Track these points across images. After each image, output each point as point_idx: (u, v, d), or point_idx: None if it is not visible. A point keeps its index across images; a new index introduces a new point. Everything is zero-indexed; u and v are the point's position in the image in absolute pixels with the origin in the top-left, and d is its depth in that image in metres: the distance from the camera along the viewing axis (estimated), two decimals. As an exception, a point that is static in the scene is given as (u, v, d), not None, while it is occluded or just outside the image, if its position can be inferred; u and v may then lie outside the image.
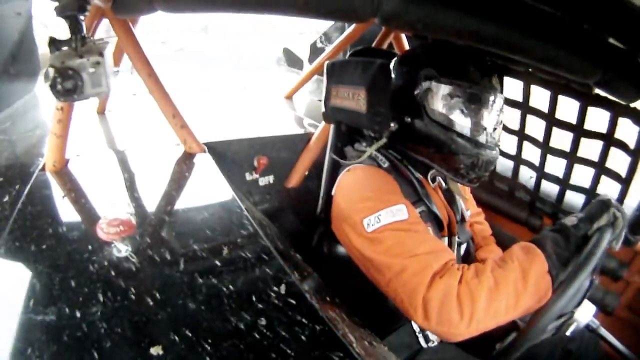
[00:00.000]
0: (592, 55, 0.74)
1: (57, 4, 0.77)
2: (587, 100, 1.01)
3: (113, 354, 0.48)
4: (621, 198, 1.06)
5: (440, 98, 0.87)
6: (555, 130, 1.13)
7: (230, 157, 1.15)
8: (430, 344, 0.94)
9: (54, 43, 0.78)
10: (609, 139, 1.01)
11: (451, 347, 0.94)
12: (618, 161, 1.05)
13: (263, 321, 0.54)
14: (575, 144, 1.10)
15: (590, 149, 1.08)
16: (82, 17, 0.80)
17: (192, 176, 0.92)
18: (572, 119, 1.07)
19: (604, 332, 0.86)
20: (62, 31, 0.80)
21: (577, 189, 1.15)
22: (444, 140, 0.88)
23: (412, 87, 0.89)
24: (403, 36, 1.35)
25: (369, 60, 0.94)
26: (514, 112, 1.18)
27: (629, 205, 1.06)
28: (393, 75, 0.91)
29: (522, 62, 1.00)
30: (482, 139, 0.90)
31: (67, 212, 0.75)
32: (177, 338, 0.51)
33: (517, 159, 1.24)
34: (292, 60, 2.24)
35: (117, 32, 0.96)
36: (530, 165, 1.22)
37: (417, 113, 0.89)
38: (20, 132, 1.14)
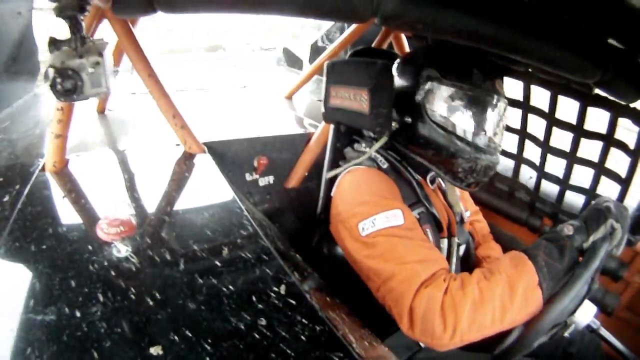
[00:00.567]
0: (592, 56, 0.74)
1: (56, 4, 0.77)
2: (587, 100, 1.01)
3: (113, 353, 0.48)
4: (621, 198, 1.06)
5: (441, 100, 0.87)
6: (555, 131, 1.13)
7: (231, 157, 1.15)
8: (430, 345, 0.93)
9: (53, 43, 0.78)
10: (608, 139, 1.01)
11: (449, 350, 0.94)
12: (618, 161, 1.05)
13: (263, 321, 0.54)
14: (575, 144, 1.10)
15: (590, 149, 1.09)
16: (81, 17, 0.80)
17: (192, 176, 0.92)
18: (572, 119, 1.07)
19: (604, 332, 0.86)
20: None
21: (577, 189, 1.15)
22: (444, 142, 0.87)
23: (413, 87, 0.88)
24: (403, 36, 1.34)
25: (370, 60, 0.94)
26: (515, 111, 1.18)
27: (629, 205, 1.06)
28: (395, 76, 0.91)
29: (522, 62, 1.00)
30: (482, 143, 0.89)
31: (67, 213, 0.76)
32: (177, 338, 0.51)
33: (518, 158, 1.24)
34: (292, 60, 2.24)
35: (117, 33, 0.96)
36: (530, 164, 1.22)
37: (418, 114, 0.88)
38: (20, 132, 1.14)
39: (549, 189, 1.22)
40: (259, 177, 1.22)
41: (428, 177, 0.97)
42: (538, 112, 1.13)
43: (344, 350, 0.52)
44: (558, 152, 1.14)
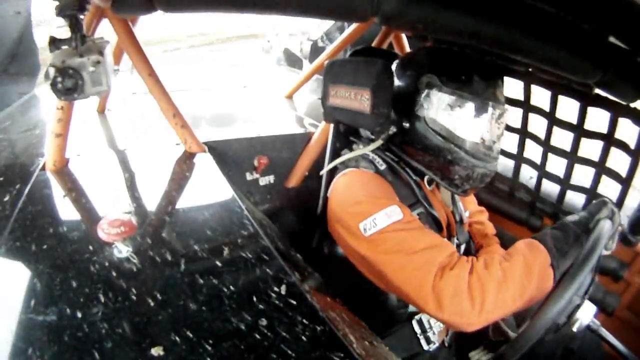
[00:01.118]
0: (593, 55, 0.74)
1: (57, 3, 0.77)
2: (587, 100, 1.00)
3: (114, 354, 0.48)
4: (621, 198, 1.06)
5: (440, 107, 0.86)
6: (556, 132, 1.13)
7: (231, 156, 1.15)
8: (431, 346, 0.94)
9: (54, 42, 0.78)
10: (609, 139, 1.01)
11: (450, 352, 0.94)
12: (617, 160, 1.05)
13: (264, 321, 0.54)
14: (576, 144, 1.10)
15: (590, 149, 1.09)
16: (81, 17, 0.80)
17: (192, 176, 0.91)
18: (573, 119, 1.07)
19: (604, 332, 0.86)
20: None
21: (578, 189, 1.15)
22: (441, 149, 0.87)
23: (412, 92, 0.88)
24: (403, 36, 1.34)
25: (370, 60, 0.93)
26: (515, 111, 1.18)
27: (629, 206, 1.06)
28: (395, 77, 0.91)
29: (522, 62, 1.00)
30: (480, 151, 0.88)
31: (68, 212, 0.75)
32: (177, 338, 0.50)
33: (519, 158, 1.24)
34: (292, 60, 2.24)
35: (117, 32, 0.96)
36: (531, 164, 1.22)
37: (416, 120, 0.88)
38: (21, 132, 1.14)
39: (550, 188, 1.22)
40: (260, 176, 1.22)
41: (425, 178, 0.97)
42: (539, 111, 1.13)
43: (344, 350, 0.52)
44: (559, 152, 1.14)
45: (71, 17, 0.78)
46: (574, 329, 0.80)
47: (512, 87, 1.16)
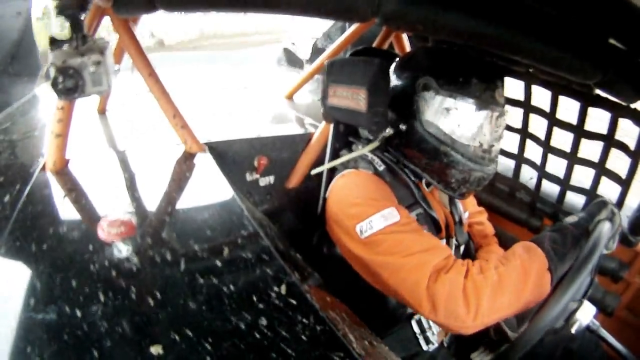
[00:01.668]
0: (593, 56, 0.74)
1: (57, 3, 0.77)
2: (587, 100, 1.01)
3: (113, 353, 0.48)
4: (621, 199, 1.06)
5: (437, 110, 0.85)
6: (556, 132, 1.13)
7: (231, 157, 1.15)
8: (430, 346, 0.94)
9: (55, 42, 0.78)
10: (609, 140, 1.01)
11: (449, 352, 0.94)
12: (617, 160, 1.05)
13: (263, 321, 0.54)
14: (576, 145, 1.10)
15: (591, 149, 1.09)
16: (82, 16, 0.80)
17: (192, 176, 0.91)
18: (573, 120, 1.07)
19: (604, 333, 0.86)
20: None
21: (578, 189, 1.15)
22: (437, 152, 0.86)
23: (409, 94, 0.88)
24: (404, 36, 1.34)
25: (367, 59, 0.93)
26: (515, 111, 1.18)
27: (629, 206, 1.07)
28: (393, 77, 0.91)
29: (523, 62, 1.00)
30: (477, 154, 0.88)
31: (68, 212, 0.75)
32: (177, 338, 0.51)
33: (519, 158, 1.24)
34: (292, 60, 2.24)
35: (117, 31, 0.96)
36: (531, 164, 1.22)
37: (413, 122, 0.87)
38: (21, 132, 1.14)
39: (550, 189, 1.22)
40: (260, 177, 1.22)
41: (423, 180, 0.97)
42: (539, 112, 1.13)
43: (344, 349, 0.52)
44: (559, 153, 1.14)
45: (72, 16, 0.78)
46: (573, 330, 0.80)
47: (512, 87, 1.16)
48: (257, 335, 0.52)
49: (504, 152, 1.27)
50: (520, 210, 1.32)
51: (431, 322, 0.94)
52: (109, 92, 0.88)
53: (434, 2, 0.66)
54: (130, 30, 0.96)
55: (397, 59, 0.97)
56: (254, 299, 0.57)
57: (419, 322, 0.94)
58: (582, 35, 0.71)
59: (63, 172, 0.87)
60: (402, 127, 0.88)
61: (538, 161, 1.20)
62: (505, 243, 1.22)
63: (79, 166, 0.90)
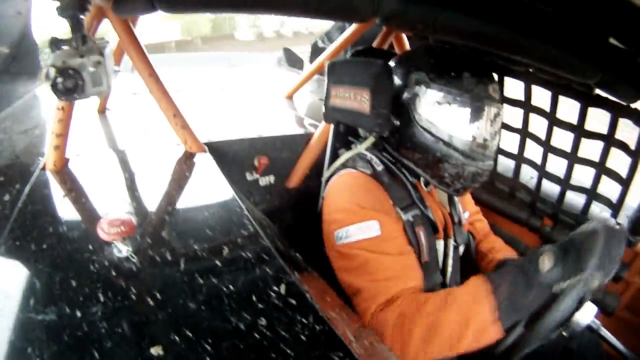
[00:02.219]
0: (593, 56, 0.74)
1: (58, 3, 0.77)
2: (587, 100, 1.01)
3: (113, 353, 0.48)
4: (621, 198, 1.06)
5: (428, 104, 0.85)
6: (556, 132, 1.13)
7: (231, 157, 1.15)
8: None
9: (54, 42, 0.78)
10: (609, 140, 1.01)
11: None
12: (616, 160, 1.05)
13: (263, 321, 0.54)
14: (576, 144, 1.10)
15: (591, 149, 1.09)
16: (82, 17, 0.80)
17: (192, 176, 0.92)
18: (573, 120, 1.07)
19: (604, 332, 0.86)
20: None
21: (578, 189, 1.15)
22: (429, 147, 0.86)
23: (401, 90, 0.88)
24: (404, 36, 1.34)
25: (369, 60, 0.93)
26: (516, 111, 1.18)
27: (629, 206, 1.07)
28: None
29: (523, 62, 1.00)
30: (470, 149, 0.87)
31: (68, 212, 0.76)
32: (177, 338, 0.51)
33: (519, 158, 1.24)
34: (293, 60, 2.24)
35: (117, 32, 0.96)
36: (531, 164, 1.22)
37: (406, 117, 0.87)
38: (21, 132, 1.14)
39: (550, 188, 1.22)
40: (260, 176, 1.22)
41: (422, 179, 0.97)
42: (539, 111, 1.13)
43: (344, 349, 0.52)
44: (559, 152, 1.14)
45: (72, 17, 0.78)
46: (565, 333, 0.79)
47: (513, 87, 1.16)
48: (257, 336, 0.52)
49: (504, 152, 1.27)
50: (520, 210, 1.32)
51: None
52: (109, 92, 0.88)
53: (433, 2, 0.67)
54: (130, 31, 0.96)
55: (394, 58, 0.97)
56: (254, 298, 0.57)
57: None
58: (582, 35, 0.71)
59: (63, 172, 0.87)
60: (396, 122, 0.88)
61: (538, 161, 1.20)
62: (506, 243, 1.22)
63: (78, 166, 0.90)
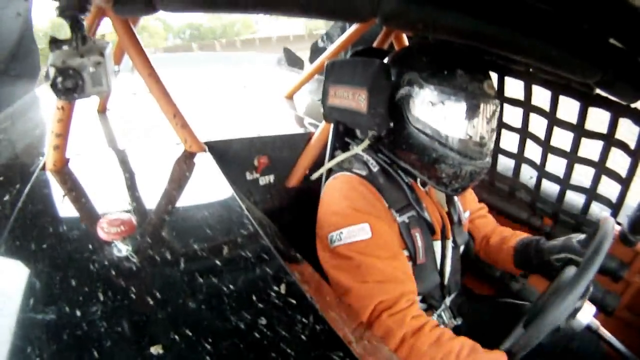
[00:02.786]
0: (593, 56, 0.74)
1: (57, 3, 0.77)
2: (587, 100, 1.01)
3: (113, 353, 0.48)
4: (621, 198, 1.06)
5: (422, 104, 0.85)
6: (556, 132, 1.13)
7: (231, 156, 1.15)
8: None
9: (55, 42, 0.78)
10: (609, 139, 1.01)
11: None
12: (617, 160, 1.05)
13: (263, 321, 0.54)
14: (576, 144, 1.10)
15: (591, 148, 1.09)
16: (82, 17, 0.80)
17: (192, 176, 0.92)
18: (573, 119, 1.07)
19: (604, 332, 0.86)
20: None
21: (578, 189, 1.15)
22: (425, 147, 0.86)
23: (395, 91, 0.87)
24: (404, 36, 1.34)
25: (368, 60, 0.93)
26: (515, 111, 1.18)
27: (629, 205, 1.06)
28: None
29: (523, 61, 1.00)
30: (467, 148, 0.86)
31: (68, 212, 0.76)
32: (177, 337, 0.51)
33: (519, 158, 1.24)
34: (293, 60, 2.24)
35: (117, 32, 0.96)
36: (531, 163, 1.22)
37: (400, 118, 0.87)
38: (21, 132, 1.14)
39: (550, 188, 1.22)
40: (260, 176, 1.22)
41: (418, 180, 0.96)
42: (539, 111, 1.13)
43: (344, 349, 0.52)
44: (559, 152, 1.14)
45: (72, 17, 0.78)
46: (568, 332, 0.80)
47: (513, 87, 1.16)
48: (257, 335, 0.52)
49: (503, 152, 1.27)
50: (520, 210, 1.32)
51: None
52: (109, 92, 0.88)
53: (434, 2, 0.66)
54: (130, 31, 0.96)
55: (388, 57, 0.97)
56: (254, 298, 0.57)
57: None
58: (582, 35, 0.71)
59: (63, 172, 0.87)
60: (390, 124, 0.88)
61: (538, 161, 1.20)
62: None
63: (78, 166, 0.90)
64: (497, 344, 0.80)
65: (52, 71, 0.77)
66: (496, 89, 0.92)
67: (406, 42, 1.36)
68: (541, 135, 1.15)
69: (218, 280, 0.60)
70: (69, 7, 0.78)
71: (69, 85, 0.78)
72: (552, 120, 1.11)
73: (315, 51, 1.93)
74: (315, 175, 1.04)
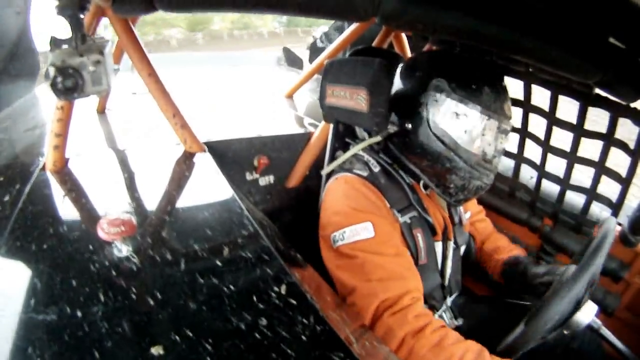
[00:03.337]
0: (593, 56, 0.74)
1: (57, 2, 0.77)
2: (587, 100, 1.01)
3: (114, 353, 0.48)
4: (621, 198, 1.06)
5: (446, 113, 0.85)
6: (556, 132, 1.13)
7: (231, 156, 1.14)
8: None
9: (54, 42, 0.78)
10: (609, 139, 1.01)
11: None
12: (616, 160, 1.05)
13: (264, 321, 0.54)
14: (576, 144, 1.10)
15: (591, 149, 1.09)
16: (82, 16, 0.80)
17: (192, 176, 0.91)
18: (573, 119, 1.07)
19: (605, 332, 0.86)
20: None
21: (578, 189, 1.15)
22: (440, 156, 0.86)
23: (418, 94, 0.87)
24: (404, 36, 1.34)
25: (367, 59, 0.92)
26: (515, 110, 1.18)
27: (629, 205, 1.07)
28: (399, 78, 0.91)
29: (522, 61, 1.00)
30: (480, 163, 0.88)
31: (68, 212, 0.75)
32: (177, 338, 0.50)
33: (518, 158, 1.24)
34: (292, 59, 2.24)
35: (117, 31, 0.95)
36: (531, 163, 1.22)
37: (419, 122, 0.87)
38: (21, 132, 1.14)
39: (550, 188, 1.22)
40: (259, 176, 1.22)
41: (421, 182, 0.96)
42: (539, 111, 1.13)
43: (345, 349, 0.52)
44: (559, 152, 1.14)
45: (71, 16, 0.78)
46: (566, 332, 0.80)
47: (513, 86, 1.16)
48: (258, 336, 0.52)
49: (503, 152, 1.27)
50: (520, 210, 1.32)
51: None
52: (109, 91, 0.88)
53: (433, 2, 0.66)
54: (130, 30, 0.95)
55: (405, 59, 0.97)
56: (254, 299, 0.57)
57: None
58: (582, 35, 0.71)
59: (63, 172, 0.87)
60: (408, 125, 0.88)
61: (538, 161, 1.20)
62: None
63: (78, 166, 0.90)
64: (498, 344, 0.80)
65: (51, 70, 0.77)
66: None
67: (406, 42, 1.36)
68: (541, 135, 1.15)
69: (218, 280, 0.60)
70: (68, 6, 0.77)
71: (69, 85, 0.77)
72: (552, 120, 1.11)
73: (314, 51, 1.93)
74: (325, 171, 1.04)
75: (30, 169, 0.87)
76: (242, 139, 1.17)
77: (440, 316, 0.99)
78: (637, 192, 1.09)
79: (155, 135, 1.08)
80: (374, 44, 1.29)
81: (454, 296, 1.05)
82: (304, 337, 0.52)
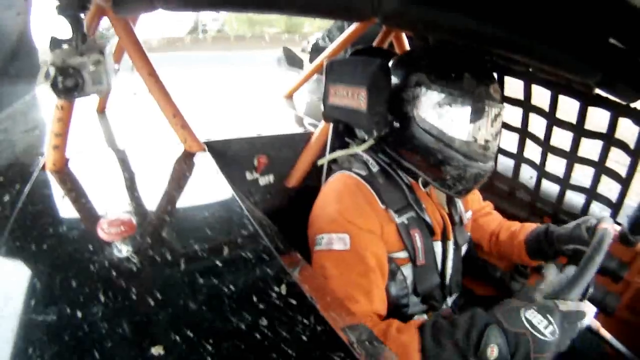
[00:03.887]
0: (593, 56, 0.74)
1: (57, 2, 0.77)
2: (587, 100, 1.01)
3: (114, 353, 0.48)
4: (621, 198, 1.06)
5: (429, 106, 0.85)
6: (556, 131, 1.13)
7: (231, 156, 1.14)
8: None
9: (55, 41, 0.78)
10: (609, 139, 1.01)
11: None
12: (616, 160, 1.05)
13: (264, 321, 0.54)
14: (576, 144, 1.10)
15: (591, 148, 1.09)
16: (82, 16, 0.80)
17: (192, 175, 0.91)
18: (573, 119, 1.07)
19: (604, 332, 0.86)
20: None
21: (578, 189, 1.15)
22: (431, 149, 0.86)
23: (402, 91, 0.88)
24: (404, 36, 1.34)
25: (368, 59, 0.93)
26: (515, 110, 1.18)
27: (629, 205, 1.06)
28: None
29: (522, 61, 1.00)
30: (472, 150, 0.87)
31: (68, 212, 0.75)
32: (178, 338, 0.50)
33: (518, 158, 1.24)
34: (292, 59, 2.24)
35: (117, 31, 0.95)
36: (531, 163, 1.22)
37: (406, 119, 0.87)
38: (21, 132, 1.14)
39: (550, 188, 1.22)
40: (259, 176, 1.22)
41: (420, 181, 0.96)
42: (539, 111, 1.13)
43: (345, 350, 0.52)
44: (558, 152, 1.14)
45: (72, 16, 0.78)
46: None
47: (512, 87, 1.16)
48: (258, 336, 0.52)
49: (503, 152, 1.27)
50: (520, 210, 1.32)
51: None
52: (109, 91, 0.88)
53: (433, 2, 0.66)
54: (130, 30, 0.95)
55: (393, 58, 0.97)
56: (254, 299, 0.57)
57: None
58: (582, 35, 0.71)
59: (63, 172, 0.87)
60: (396, 124, 0.88)
61: (538, 160, 1.20)
62: None
63: (78, 165, 0.90)
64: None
65: (52, 70, 0.77)
66: None
67: (406, 42, 1.36)
68: (541, 135, 1.15)
69: (218, 280, 0.60)
70: (68, 6, 0.77)
71: (70, 85, 0.78)
72: (552, 120, 1.11)
73: (315, 51, 1.93)
74: (321, 161, 1.04)
75: (30, 169, 0.87)
76: (242, 138, 1.17)
77: (440, 316, 0.99)
78: (636, 192, 1.08)
79: (155, 135, 1.08)
80: (374, 44, 1.29)
81: (454, 296, 1.05)
82: (304, 337, 0.52)
